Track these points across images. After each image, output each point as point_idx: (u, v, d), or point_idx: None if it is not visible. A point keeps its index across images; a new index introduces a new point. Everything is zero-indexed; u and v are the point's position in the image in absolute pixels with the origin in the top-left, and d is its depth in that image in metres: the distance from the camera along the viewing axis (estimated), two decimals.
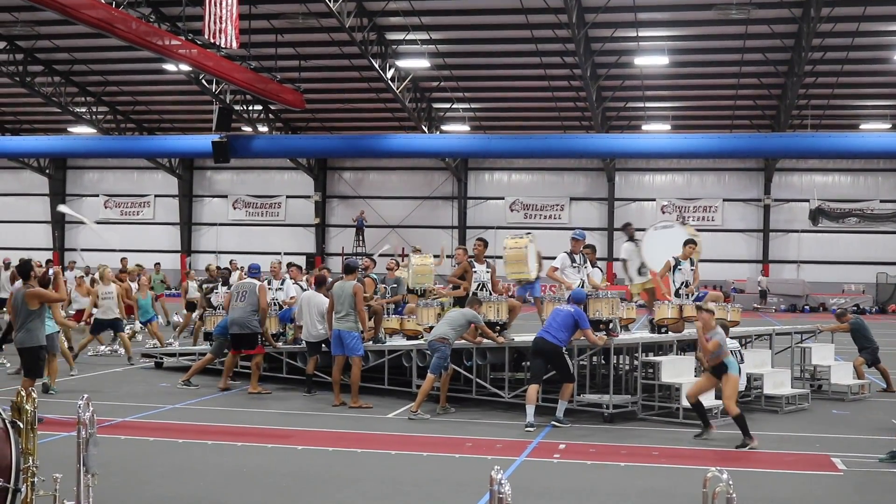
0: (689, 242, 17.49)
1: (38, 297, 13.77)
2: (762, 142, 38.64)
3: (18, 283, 14.60)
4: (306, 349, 17.27)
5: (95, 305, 21.52)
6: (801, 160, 48.12)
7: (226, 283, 22.18)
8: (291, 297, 19.36)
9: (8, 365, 19.81)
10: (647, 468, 11.54)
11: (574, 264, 16.32)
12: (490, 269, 16.71)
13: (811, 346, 18.69)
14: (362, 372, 16.09)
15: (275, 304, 19.36)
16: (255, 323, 17.20)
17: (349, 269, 16.37)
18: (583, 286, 15.84)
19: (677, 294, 17.15)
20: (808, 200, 48.86)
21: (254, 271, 18.56)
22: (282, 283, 19.84)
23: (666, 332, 16.69)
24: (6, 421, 4.24)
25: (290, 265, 21.35)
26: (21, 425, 4.28)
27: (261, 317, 17.31)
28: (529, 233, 18.33)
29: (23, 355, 13.75)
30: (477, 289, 16.41)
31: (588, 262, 16.54)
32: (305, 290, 18.66)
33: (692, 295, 16.79)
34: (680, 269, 17.17)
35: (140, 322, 25.34)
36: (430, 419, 14.57)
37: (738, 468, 11.14)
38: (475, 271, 16.57)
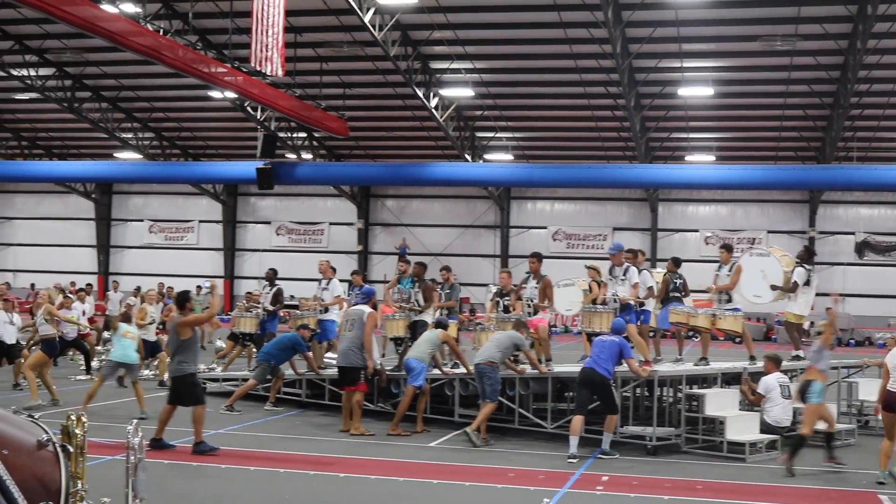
0: (724, 248, 17.42)
1: (190, 324, 13.84)
2: (807, 174, 38.43)
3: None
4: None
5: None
6: (847, 192, 47.66)
7: (271, 282, 22.19)
8: (336, 297, 19.34)
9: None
10: (691, 502, 11.43)
11: (611, 277, 16.20)
12: (539, 286, 16.68)
13: (858, 381, 18.48)
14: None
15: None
16: (360, 357, 15.74)
17: (442, 326, 16.51)
18: (615, 300, 15.85)
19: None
20: (853, 233, 48.45)
21: (364, 296, 17.20)
22: (328, 283, 19.82)
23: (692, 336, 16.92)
24: (56, 445, 4.25)
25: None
26: (71, 449, 4.29)
27: (365, 350, 15.79)
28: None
29: (175, 385, 13.86)
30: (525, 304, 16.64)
31: (634, 273, 16.12)
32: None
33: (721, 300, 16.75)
34: (717, 275, 17.09)
35: None
36: (487, 445, 14.62)
37: (782, 503, 11.01)
38: (525, 287, 16.71)
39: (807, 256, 17.94)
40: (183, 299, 14.30)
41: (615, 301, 15.85)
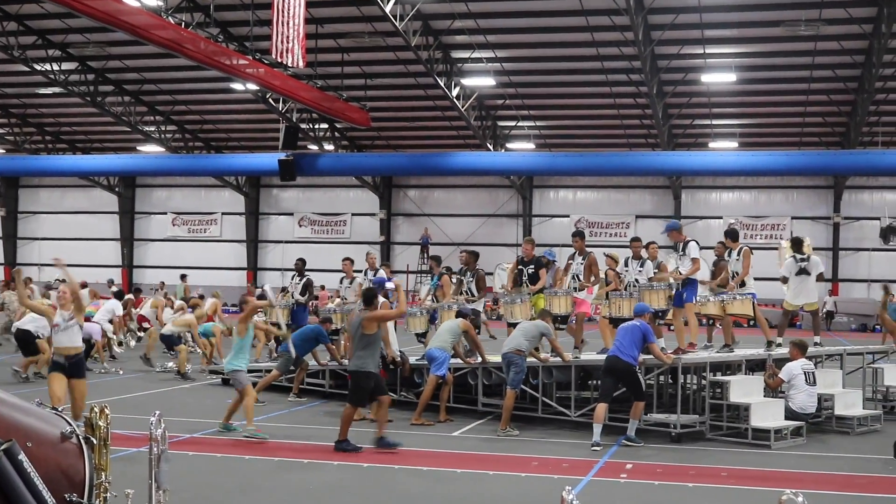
0: (729, 235, 17.14)
1: (375, 319, 13.55)
2: (831, 159, 38.20)
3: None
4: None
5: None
6: (872, 177, 47.43)
7: (300, 273, 22.25)
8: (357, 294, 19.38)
9: None
10: (716, 489, 11.41)
11: (680, 254, 16.09)
12: (585, 263, 16.72)
13: (883, 367, 18.39)
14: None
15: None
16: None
17: (462, 315, 16.48)
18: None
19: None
20: (878, 218, 48.13)
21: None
22: (351, 282, 20.02)
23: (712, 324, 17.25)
24: (80, 437, 4.28)
25: (367, 254, 21.49)
26: (94, 441, 4.32)
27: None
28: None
29: (350, 380, 13.81)
30: (571, 279, 16.70)
31: (692, 248, 15.92)
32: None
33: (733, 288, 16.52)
34: (728, 260, 16.90)
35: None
36: (519, 435, 14.60)
37: (809, 490, 10.96)
38: (571, 262, 16.88)
39: (795, 247, 17.72)
40: (371, 296, 14.00)
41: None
